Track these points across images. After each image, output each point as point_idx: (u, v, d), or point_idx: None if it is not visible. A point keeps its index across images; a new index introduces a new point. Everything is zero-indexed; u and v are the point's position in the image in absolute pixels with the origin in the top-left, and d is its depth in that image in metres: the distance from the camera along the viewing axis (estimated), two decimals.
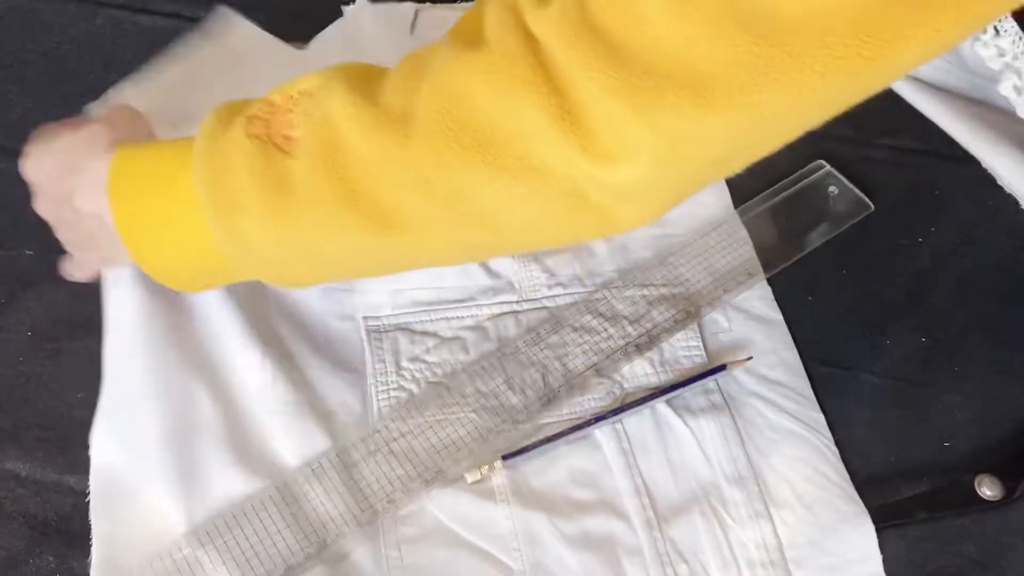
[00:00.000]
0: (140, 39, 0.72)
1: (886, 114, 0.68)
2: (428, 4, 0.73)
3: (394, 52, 0.43)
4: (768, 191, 0.63)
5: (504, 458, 0.51)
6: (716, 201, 0.63)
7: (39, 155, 0.49)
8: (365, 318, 0.56)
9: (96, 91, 0.68)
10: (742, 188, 0.63)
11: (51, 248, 0.59)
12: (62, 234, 0.50)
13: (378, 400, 0.53)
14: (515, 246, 0.41)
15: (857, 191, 0.63)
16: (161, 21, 0.72)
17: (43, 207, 0.49)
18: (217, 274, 0.47)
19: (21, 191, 0.64)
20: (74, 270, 0.52)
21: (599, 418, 0.52)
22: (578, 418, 0.53)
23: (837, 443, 0.53)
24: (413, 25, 0.73)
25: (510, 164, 0.37)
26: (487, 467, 0.51)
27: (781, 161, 0.66)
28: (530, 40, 0.36)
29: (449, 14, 0.73)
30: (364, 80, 0.41)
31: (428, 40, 0.41)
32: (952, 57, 0.68)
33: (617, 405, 0.53)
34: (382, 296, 0.57)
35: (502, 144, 0.37)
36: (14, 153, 0.65)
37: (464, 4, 0.74)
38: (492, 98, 0.37)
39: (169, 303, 0.53)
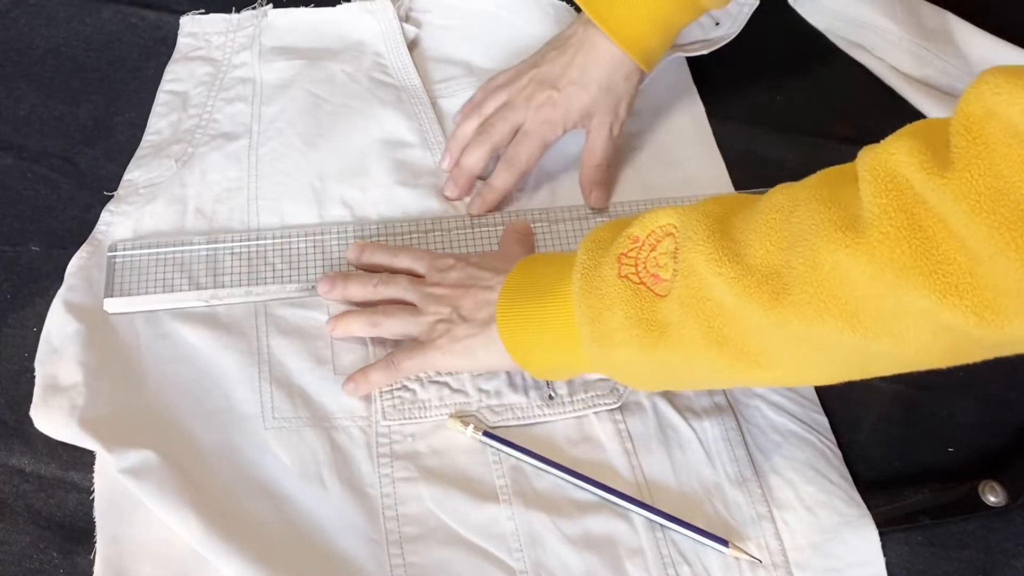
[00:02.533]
0: (147, 34, 0.72)
1: (890, 116, 0.68)
2: None
3: None
4: None
5: (484, 434, 0.52)
6: None
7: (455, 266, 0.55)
8: None
9: (103, 86, 0.69)
10: (749, 188, 0.63)
11: (56, 244, 0.59)
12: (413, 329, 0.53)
13: (381, 400, 0.53)
14: (884, 372, 0.43)
15: None
16: (167, 16, 0.72)
17: (433, 308, 0.53)
18: (577, 372, 0.52)
19: (28, 187, 0.64)
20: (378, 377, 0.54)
21: (602, 486, 0.51)
22: (580, 416, 0.53)
23: (841, 447, 0.53)
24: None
25: (880, 327, 0.38)
26: (471, 426, 0.52)
27: (785, 162, 0.66)
28: (913, 220, 0.36)
29: None
30: (721, 227, 0.42)
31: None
32: (958, 62, 0.68)
33: (619, 404, 0.53)
34: None
35: (874, 313, 0.38)
36: (21, 149, 0.65)
37: None
38: (870, 281, 0.37)
39: (164, 329, 0.55)
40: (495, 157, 0.62)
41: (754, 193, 0.61)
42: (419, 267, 0.56)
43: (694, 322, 0.42)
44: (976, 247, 0.35)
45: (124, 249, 0.58)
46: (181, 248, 0.58)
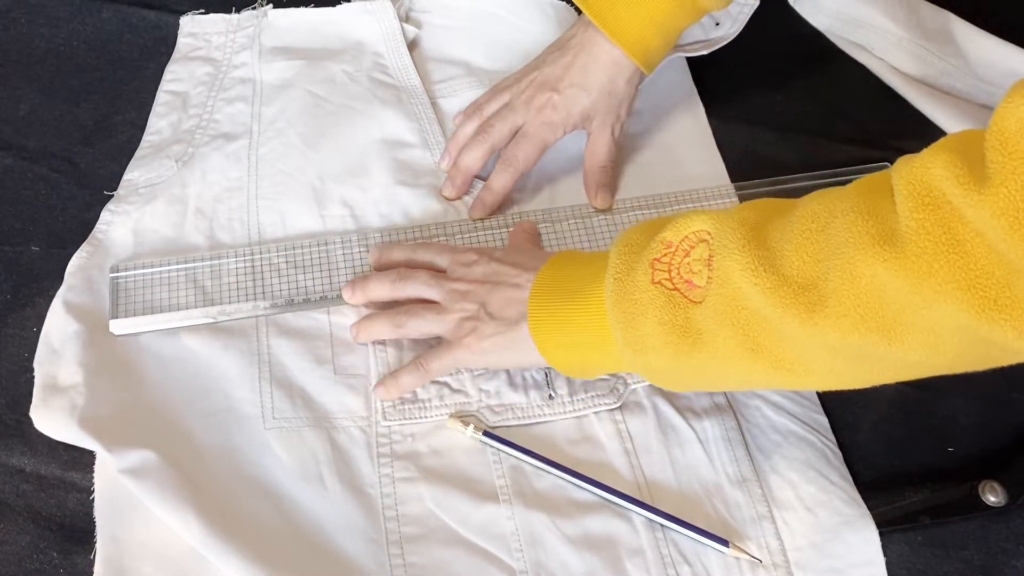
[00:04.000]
0: (146, 34, 0.72)
1: (892, 118, 0.68)
2: None
3: None
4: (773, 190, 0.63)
5: (484, 434, 0.52)
6: (723, 204, 0.63)
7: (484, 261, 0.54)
8: None
9: (103, 86, 0.69)
10: (747, 187, 0.63)
11: (56, 244, 0.59)
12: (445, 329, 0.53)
13: (382, 400, 0.53)
14: (917, 376, 0.43)
15: None
16: (167, 16, 0.72)
17: (459, 305, 0.53)
18: (609, 370, 0.52)
19: (28, 187, 0.64)
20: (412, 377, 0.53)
21: (602, 485, 0.51)
22: (580, 416, 0.53)
23: (841, 447, 0.53)
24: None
25: (916, 340, 0.38)
26: (471, 426, 0.52)
27: (785, 162, 0.66)
28: (951, 234, 0.36)
29: None
30: (756, 235, 0.42)
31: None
32: (960, 63, 0.68)
33: (619, 404, 0.53)
34: None
35: (910, 327, 0.38)
36: (22, 149, 0.65)
37: None
38: (907, 296, 0.37)
39: (164, 329, 0.55)
40: (494, 158, 0.62)
41: (779, 196, 0.62)
42: (440, 261, 0.55)
43: (729, 330, 0.42)
44: (1015, 262, 0.35)
45: (126, 269, 0.58)
46: (184, 265, 0.58)
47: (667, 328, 0.44)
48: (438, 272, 0.55)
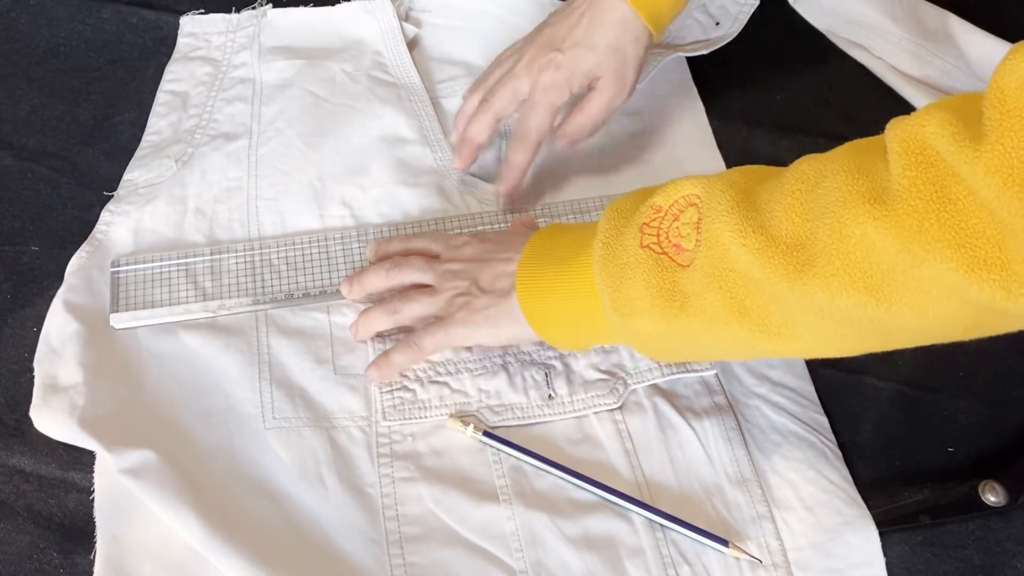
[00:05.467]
0: (146, 33, 0.72)
1: (890, 117, 0.68)
2: None
3: None
4: None
5: (484, 434, 0.52)
6: None
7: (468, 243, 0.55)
8: None
9: (103, 86, 0.69)
10: None
11: (56, 244, 0.59)
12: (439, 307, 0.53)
13: (382, 400, 0.53)
14: (905, 344, 0.43)
15: None
16: (167, 16, 0.72)
17: (450, 283, 0.53)
18: (598, 340, 0.51)
19: (28, 187, 0.64)
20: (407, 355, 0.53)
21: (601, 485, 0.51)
22: (580, 416, 0.53)
23: (841, 447, 0.53)
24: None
25: (905, 301, 0.38)
26: (471, 426, 0.52)
27: (785, 162, 0.66)
28: (942, 192, 0.36)
29: None
30: (746, 197, 0.42)
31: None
32: (959, 62, 0.68)
33: (619, 404, 0.53)
34: None
35: (899, 287, 0.38)
36: (22, 149, 0.65)
37: None
38: (896, 254, 0.37)
39: (163, 329, 0.56)
40: (501, 127, 0.62)
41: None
42: (434, 247, 0.56)
43: (716, 293, 0.42)
44: (1007, 220, 0.34)
45: (127, 264, 0.58)
46: (184, 260, 0.58)
47: (655, 292, 0.44)
48: (432, 258, 0.55)
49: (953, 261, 0.35)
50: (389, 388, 0.54)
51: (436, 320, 0.53)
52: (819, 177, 0.40)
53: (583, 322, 0.48)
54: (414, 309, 0.53)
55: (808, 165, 0.41)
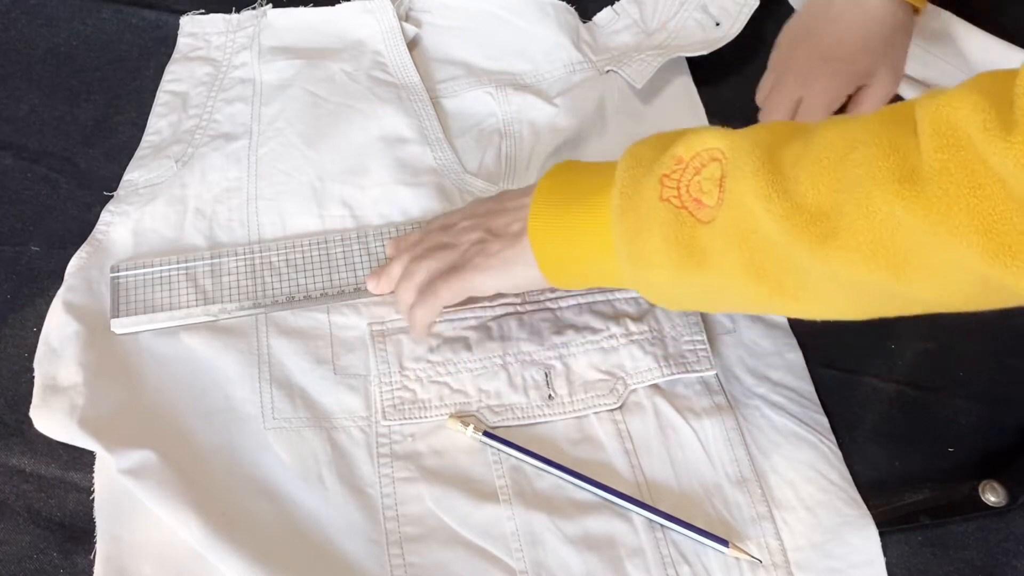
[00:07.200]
0: (146, 34, 0.72)
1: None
2: None
3: None
4: None
5: (484, 434, 0.52)
6: None
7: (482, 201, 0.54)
8: (370, 324, 0.56)
9: (103, 86, 0.69)
10: None
11: (56, 244, 0.59)
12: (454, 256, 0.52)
13: (382, 400, 0.53)
14: (919, 312, 0.43)
15: None
16: (167, 16, 0.72)
17: (467, 235, 0.53)
18: (605, 283, 0.50)
19: (28, 187, 0.64)
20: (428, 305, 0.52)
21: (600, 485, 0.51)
22: (580, 416, 0.53)
23: (841, 447, 0.53)
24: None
25: (925, 278, 0.38)
26: (471, 426, 0.52)
27: None
28: (972, 178, 0.36)
29: None
30: (771, 159, 0.41)
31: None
32: (959, 63, 0.68)
33: (619, 404, 0.53)
34: (386, 308, 0.57)
35: (920, 265, 0.38)
36: (22, 149, 0.65)
37: None
38: (923, 235, 0.37)
39: (163, 329, 0.56)
40: None
41: None
42: (452, 219, 0.55)
43: (735, 252, 0.42)
44: None
45: (127, 269, 0.58)
46: (184, 264, 0.58)
47: (672, 246, 0.43)
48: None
49: (978, 246, 0.36)
50: (390, 387, 0.54)
51: (453, 268, 0.52)
52: (848, 148, 0.39)
53: (595, 264, 0.48)
54: (431, 265, 0.53)
55: (836, 133, 0.41)
